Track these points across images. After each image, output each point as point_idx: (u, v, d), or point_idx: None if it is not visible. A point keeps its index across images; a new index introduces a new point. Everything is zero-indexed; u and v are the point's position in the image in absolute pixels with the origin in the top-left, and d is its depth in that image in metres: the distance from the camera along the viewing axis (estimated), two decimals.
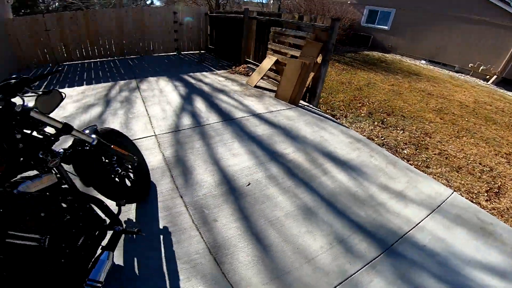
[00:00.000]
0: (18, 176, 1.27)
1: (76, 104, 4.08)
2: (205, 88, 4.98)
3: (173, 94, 4.62)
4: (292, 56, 4.77)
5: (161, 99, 4.37)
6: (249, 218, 2.12)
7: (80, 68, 6.78)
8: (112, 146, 1.85)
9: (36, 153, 1.33)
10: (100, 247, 1.58)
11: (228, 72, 6.25)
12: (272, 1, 24.55)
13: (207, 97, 4.53)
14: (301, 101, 4.68)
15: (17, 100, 1.26)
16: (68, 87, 5.02)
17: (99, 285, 1.35)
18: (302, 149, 3.16)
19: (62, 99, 1.48)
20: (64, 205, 1.47)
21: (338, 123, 4.06)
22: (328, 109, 4.90)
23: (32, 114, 1.30)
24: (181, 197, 2.29)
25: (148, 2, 21.77)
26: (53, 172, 1.41)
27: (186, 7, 9.15)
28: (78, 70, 6.50)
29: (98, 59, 7.77)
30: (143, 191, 2.22)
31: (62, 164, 1.51)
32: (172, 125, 3.53)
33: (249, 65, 6.38)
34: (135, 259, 1.76)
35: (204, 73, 6.08)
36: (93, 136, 1.68)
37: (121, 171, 2.00)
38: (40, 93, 1.35)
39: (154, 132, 3.31)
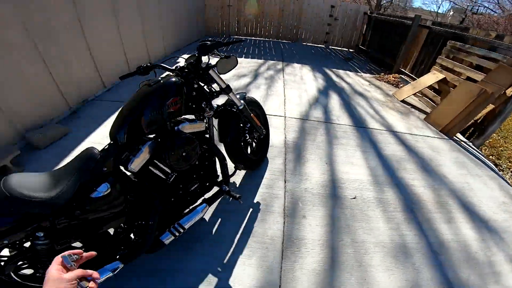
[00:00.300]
0: (182, 117, 1.57)
1: (233, 72, 4.78)
2: (345, 87, 4.78)
3: (312, 84, 4.68)
4: (469, 79, 3.84)
5: (300, 86, 4.51)
6: (336, 229, 1.95)
7: (244, 42, 7.87)
8: (251, 114, 2.07)
9: (201, 102, 1.63)
10: (202, 198, 1.76)
11: (375, 77, 5.74)
12: (451, 12, 20.31)
13: (344, 97, 4.34)
14: (458, 134, 3.77)
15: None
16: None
17: (181, 231, 1.51)
18: (434, 188, 2.58)
19: (236, 64, 1.74)
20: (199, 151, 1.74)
21: (499, 175, 3.03)
22: (493, 155, 3.78)
23: (211, 72, 1.61)
24: (285, 182, 2.31)
25: None
26: (204, 121, 1.68)
27: (345, 3, 8.87)
28: (242, 45, 7.56)
29: (258, 38, 8.82)
30: (257, 163, 2.36)
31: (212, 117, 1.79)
32: (303, 112, 3.59)
33: (402, 76, 5.65)
34: (219, 219, 1.91)
35: (348, 72, 5.83)
36: (242, 101, 1.92)
37: (248, 138, 2.21)
38: (223, 56, 1.62)
39: (285, 114, 3.47)
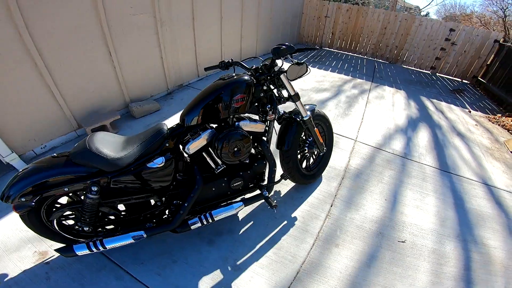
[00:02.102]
0: (246, 114, 1.66)
1: (315, 84, 4.69)
2: (442, 123, 4.04)
3: (400, 112, 4.15)
4: None
5: (385, 111, 4.06)
6: (368, 269, 1.72)
7: (335, 55, 7.62)
8: (316, 128, 2.04)
9: (266, 105, 1.70)
10: (241, 197, 1.80)
11: (487, 117, 4.66)
12: None
13: (437, 134, 3.67)
14: None
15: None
16: (318, 68, 5.85)
17: (209, 221, 1.56)
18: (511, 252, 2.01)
19: (306, 72, 1.74)
20: (252, 151, 1.79)
21: None
22: None
23: (282, 76, 1.67)
24: (331, 205, 2.17)
25: (423, 14, 19.87)
26: (265, 124, 1.73)
27: (470, 27, 7.36)
28: (332, 57, 7.35)
29: (351, 53, 8.37)
30: (309, 179, 2.26)
31: (275, 121, 1.82)
32: (378, 140, 3.22)
33: None
34: (249, 223, 1.89)
35: (452, 106, 4.91)
36: (308, 113, 1.91)
37: (307, 151, 2.16)
38: (295, 62, 1.64)
39: (356, 138, 3.19)
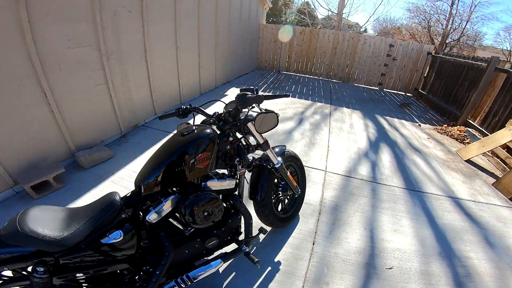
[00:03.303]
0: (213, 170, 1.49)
1: (278, 112, 4.76)
2: (399, 141, 4.34)
3: (361, 134, 4.37)
4: None
5: (347, 135, 4.25)
6: None
7: (293, 79, 7.94)
8: (288, 173, 1.96)
9: (234, 158, 1.55)
10: (218, 253, 1.65)
11: (436, 129, 5.14)
12: None
13: (397, 152, 3.92)
14: None
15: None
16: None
17: (188, 284, 1.41)
18: (496, 261, 2.16)
19: (276, 125, 1.59)
20: (224, 205, 1.62)
21: None
22: None
23: (249, 125, 1.52)
24: (313, 243, 2.13)
25: (362, 30, 21.93)
26: (235, 178, 1.59)
27: (406, 41, 8.27)
28: (291, 81, 7.63)
29: (307, 75, 8.82)
30: (286, 221, 2.20)
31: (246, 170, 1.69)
32: (347, 168, 3.31)
33: (469, 129, 4.94)
34: (232, 274, 1.79)
35: (403, 121, 5.34)
36: (279, 159, 1.81)
37: (281, 195, 2.08)
38: (264, 111, 1.51)
39: (326, 168, 3.24)
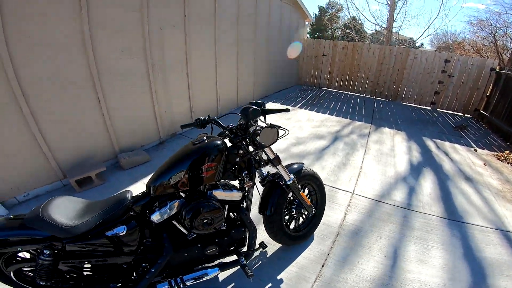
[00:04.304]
0: (221, 180, 1.56)
1: (312, 130, 4.71)
2: (447, 166, 3.90)
3: (401, 157, 4.05)
4: None
5: (385, 158, 3.97)
6: None
7: (333, 95, 7.76)
8: (301, 192, 1.95)
9: (242, 171, 1.60)
10: (218, 261, 1.69)
11: (495, 156, 4.48)
12: None
13: (443, 179, 3.52)
14: None
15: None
16: (316, 111, 5.95)
17: (181, 287, 1.47)
18: None
19: (278, 138, 1.57)
20: (232, 215, 1.69)
21: None
22: None
23: (258, 138, 1.54)
24: (323, 266, 2.03)
25: (417, 45, 20.28)
26: (243, 191, 1.63)
27: (465, 57, 7.40)
28: (331, 97, 7.47)
29: (349, 92, 8.51)
30: (298, 240, 2.15)
31: (259, 183, 1.73)
32: (378, 191, 3.09)
33: None
34: (231, 284, 1.77)
35: (456, 145, 4.78)
36: (292, 176, 1.81)
37: (294, 213, 2.07)
38: (267, 125, 1.53)
39: (354, 190, 3.08)
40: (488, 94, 6.76)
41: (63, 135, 2.69)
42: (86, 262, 1.38)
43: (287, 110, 1.81)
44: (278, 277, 1.93)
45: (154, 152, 3.60)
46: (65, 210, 1.30)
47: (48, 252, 1.23)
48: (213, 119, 1.69)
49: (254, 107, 1.54)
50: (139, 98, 3.38)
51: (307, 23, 9.46)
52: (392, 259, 2.18)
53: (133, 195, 1.45)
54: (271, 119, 4.29)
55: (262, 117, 1.64)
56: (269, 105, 6.08)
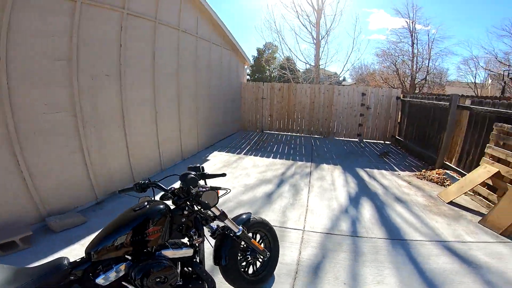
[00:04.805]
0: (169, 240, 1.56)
1: (259, 176, 4.87)
2: (379, 191, 4.38)
3: (341, 190, 4.41)
4: None
5: (326, 193, 4.28)
6: None
7: (275, 138, 8.26)
8: (252, 239, 2.04)
9: (190, 229, 1.65)
10: None
11: (415, 175, 5.23)
12: (490, 81, 19.02)
13: (378, 204, 3.92)
14: None
15: None
16: (261, 156, 6.22)
17: None
18: None
19: (218, 200, 1.65)
20: (187, 269, 1.66)
21: None
22: None
23: (202, 198, 1.60)
24: None
25: (341, 79, 23.58)
26: (194, 247, 1.65)
27: (376, 88, 8.85)
28: (273, 140, 7.92)
29: (289, 133, 9.17)
30: (258, 284, 2.19)
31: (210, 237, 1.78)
32: (326, 225, 3.29)
33: (447, 171, 5.03)
34: None
35: (383, 171, 5.45)
36: (240, 228, 1.91)
37: (250, 258, 2.15)
38: (207, 189, 1.63)
39: (304, 227, 3.21)
40: (399, 121, 8.04)
41: None
42: None
43: (223, 175, 1.98)
44: None
45: (91, 212, 3.30)
46: None
47: None
48: (153, 182, 1.70)
49: (192, 174, 1.66)
50: (67, 157, 3.10)
51: (246, 66, 10.19)
52: (352, 286, 2.30)
53: (71, 261, 1.34)
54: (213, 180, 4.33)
55: (202, 181, 1.73)
56: (213, 157, 6.14)
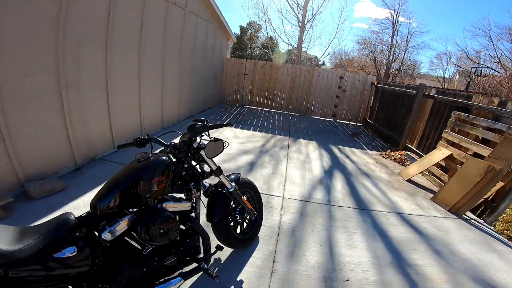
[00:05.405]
0: (169, 194, 1.63)
1: (239, 146, 5.03)
2: (349, 167, 4.80)
3: (316, 163, 4.76)
4: (476, 155, 3.74)
5: (303, 165, 4.60)
6: None
7: (255, 113, 8.38)
8: (242, 197, 2.15)
9: (189, 183, 1.71)
10: (179, 271, 1.71)
11: (381, 155, 5.76)
12: (457, 76, 20.80)
13: (348, 177, 4.33)
14: (468, 213, 3.57)
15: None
16: (241, 128, 6.34)
17: None
18: (442, 266, 2.44)
19: (223, 149, 1.78)
20: (182, 227, 1.74)
21: None
22: (508, 230, 3.51)
23: (201, 152, 1.70)
24: (274, 262, 2.27)
25: (320, 63, 24.05)
26: (191, 201, 1.73)
27: (353, 73, 9.33)
28: (253, 115, 8.05)
29: (269, 109, 9.37)
30: (246, 243, 2.34)
31: (202, 195, 1.84)
32: (303, 193, 3.57)
33: (408, 152, 5.64)
34: None
35: (353, 149, 5.92)
36: (233, 184, 2.00)
37: (239, 218, 2.25)
38: (212, 139, 1.70)
39: (283, 194, 3.46)
40: (371, 105, 8.61)
41: None
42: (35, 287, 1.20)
43: (230, 125, 2.13)
44: (238, 279, 2.04)
45: (71, 179, 3.19)
46: None
47: None
48: (153, 138, 1.72)
49: (200, 123, 1.67)
50: (49, 120, 2.97)
51: (230, 43, 10.00)
52: (327, 247, 2.56)
53: (76, 216, 1.34)
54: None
55: (206, 132, 1.76)
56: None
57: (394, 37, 18.30)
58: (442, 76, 20.92)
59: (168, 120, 5.78)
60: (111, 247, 1.42)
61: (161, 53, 5.11)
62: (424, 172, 4.55)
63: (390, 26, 18.29)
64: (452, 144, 4.29)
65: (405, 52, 18.59)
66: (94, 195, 1.41)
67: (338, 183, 4.03)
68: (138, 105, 4.63)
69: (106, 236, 1.34)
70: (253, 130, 6.28)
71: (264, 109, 9.24)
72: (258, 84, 9.28)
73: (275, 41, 16.28)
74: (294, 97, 9.18)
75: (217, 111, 8.35)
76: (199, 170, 1.83)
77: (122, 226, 1.38)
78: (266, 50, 16.20)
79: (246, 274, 2.10)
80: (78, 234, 1.29)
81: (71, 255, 1.21)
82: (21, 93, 2.63)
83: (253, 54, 25.98)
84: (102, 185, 1.45)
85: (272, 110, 9.27)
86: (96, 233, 1.38)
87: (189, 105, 6.84)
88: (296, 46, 14.09)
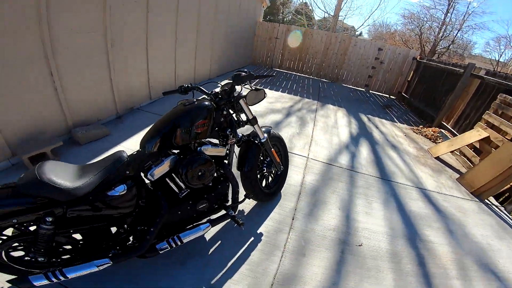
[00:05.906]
0: (207, 139, 1.70)
1: (268, 105, 5.05)
2: (377, 137, 4.70)
3: (343, 129, 4.71)
4: None
5: (330, 129, 4.58)
6: (335, 273, 1.91)
7: (284, 76, 8.21)
8: (272, 149, 2.20)
9: (227, 129, 1.80)
10: (207, 218, 1.84)
11: (412, 129, 5.54)
12: None
13: (374, 147, 4.27)
14: (491, 198, 3.47)
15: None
16: (270, 89, 6.30)
17: (178, 244, 1.57)
18: (453, 246, 2.44)
19: (264, 98, 1.87)
20: (215, 173, 1.83)
21: None
22: None
23: (241, 101, 1.79)
24: (293, 219, 2.33)
25: (357, 33, 22.41)
26: (226, 147, 1.82)
27: (394, 46, 8.69)
28: (282, 77, 7.90)
29: (298, 73, 9.11)
30: (270, 197, 2.41)
31: (235, 145, 1.93)
32: (328, 156, 3.61)
33: (443, 130, 5.37)
34: (218, 242, 1.95)
35: (383, 120, 5.74)
36: (265, 135, 2.06)
37: (266, 171, 2.30)
38: (253, 88, 1.78)
39: (308, 155, 3.52)
40: (409, 79, 8.09)
41: (11, 111, 2.39)
42: (84, 229, 1.33)
43: (273, 76, 2.09)
44: (258, 231, 2.16)
45: (113, 126, 3.43)
46: (61, 173, 1.20)
47: (50, 219, 1.13)
48: (195, 86, 1.79)
49: (244, 73, 1.72)
50: (96, 72, 3.20)
51: (263, 6, 9.58)
52: (345, 212, 2.59)
53: (128, 154, 1.44)
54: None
55: (248, 82, 1.80)
56: (223, 83, 6.18)
57: (449, 14, 16.31)
58: (496, 59, 18.81)
59: (200, 76, 5.90)
60: (154, 188, 1.54)
61: (196, 13, 5.12)
62: (455, 152, 4.37)
63: (446, 3, 16.22)
64: (492, 126, 4.03)
65: (459, 30, 16.65)
66: (144, 135, 1.50)
67: (364, 151, 4.01)
68: (174, 61, 4.78)
69: (153, 174, 1.42)
70: (282, 92, 6.23)
71: (294, 73, 9.01)
72: (289, 49, 9.00)
73: (310, 7, 15.24)
74: (326, 64, 8.83)
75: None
76: (235, 119, 1.89)
77: (165, 166, 1.48)
78: (300, 16, 15.29)
79: (266, 228, 2.20)
80: (128, 172, 1.38)
81: (122, 193, 1.29)
82: (72, 47, 2.82)
83: (285, 19, 24.54)
84: (151, 126, 1.54)
85: (302, 74, 9.02)
86: (142, 174, 1.48)
87: (220, 64, 6.89)
88: (332, 15, 13.09)
